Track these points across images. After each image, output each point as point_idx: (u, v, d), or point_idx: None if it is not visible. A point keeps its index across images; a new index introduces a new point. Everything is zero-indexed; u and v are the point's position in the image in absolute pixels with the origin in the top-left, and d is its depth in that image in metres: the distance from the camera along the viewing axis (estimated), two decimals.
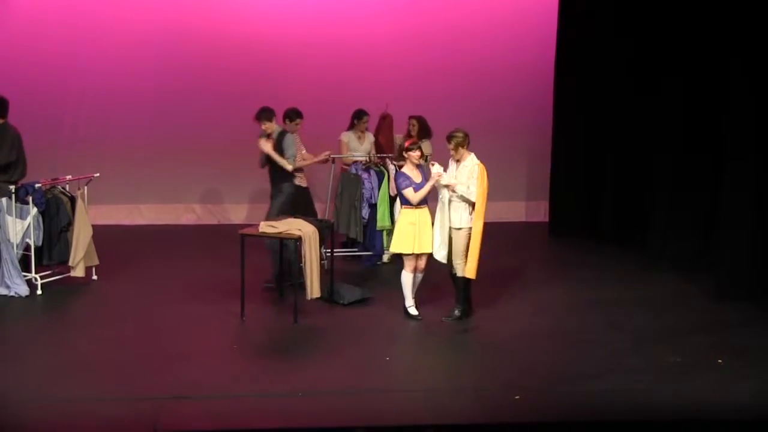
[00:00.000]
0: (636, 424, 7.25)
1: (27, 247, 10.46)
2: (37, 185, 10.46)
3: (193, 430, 7.10)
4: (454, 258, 9.51)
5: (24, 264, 10.48)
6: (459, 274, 9.48)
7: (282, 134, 10.60)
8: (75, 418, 7.25)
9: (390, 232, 11.71)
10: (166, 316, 9.72)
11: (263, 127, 10.65)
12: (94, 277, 11.01)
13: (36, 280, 10.46)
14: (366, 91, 13.49)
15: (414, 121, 12.05)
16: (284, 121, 11.19)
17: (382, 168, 11.88)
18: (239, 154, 13.71)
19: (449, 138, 9.54)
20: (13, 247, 10.34)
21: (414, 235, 9.46)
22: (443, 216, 9.49)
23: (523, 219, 14.82)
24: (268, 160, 10.68)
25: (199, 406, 7.46)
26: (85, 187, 10.98)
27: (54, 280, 10.67)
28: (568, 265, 12.04)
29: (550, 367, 8.25)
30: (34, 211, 10.39)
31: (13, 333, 9.42)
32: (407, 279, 9.59)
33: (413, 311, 9.62)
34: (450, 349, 8.82)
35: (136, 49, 14.05)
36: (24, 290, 10.30)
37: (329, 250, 10.62)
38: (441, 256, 9.56)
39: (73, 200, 10.80)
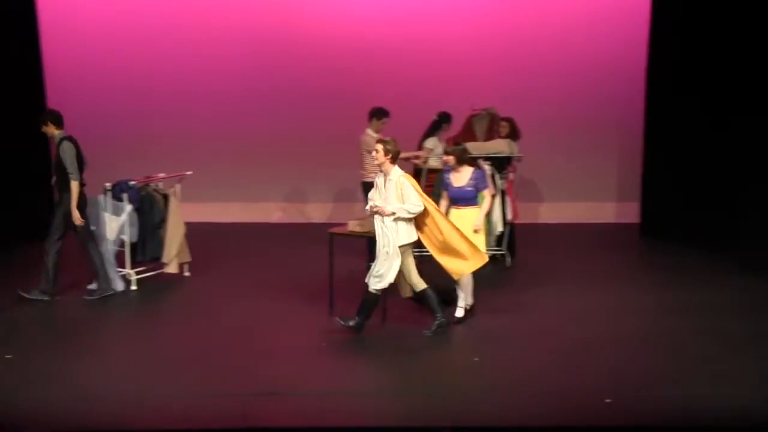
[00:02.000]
0: (728, 429, 7.12)
1: (122, 244, 10.70)
2: (131, 183, 10.69)
3: (282, 427, 7.15)
4: (408, 277, 9.13)
5: (119, 260, 10.73)
6: (410, 294, 9.21)
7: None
8: (165, 413, 7.35)
9: (488, 232, 11.68)
10: (255, 312, 9.84)
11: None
12: (187, 273, 11.20)
13: (131, 275, 10.69)
14: (452, 90, 13.47)
15: (504, 123, 11.99)
16: (371, 119, 11.35)
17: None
18: (327, 153, 13.83)
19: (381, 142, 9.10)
20: (109, 244, 10.59)
21: None
22: (383, 241, 8.98)
23: (614, 220, 14.64)
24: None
25: (287, 403, 7.52)
26: (178, 185, 11.19)
27: (148, 276, 10.89)
28: (659, 267, 11.86)
29: (640, 371, 8.13)
30: (129, 208, 10.62)
31: (108, 327, 9.65)
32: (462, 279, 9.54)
33: (456, 312, 9.52)
34: (537, 350, 8.74)
35: (228, 49, 14.24)
36: (119, 285, 10.54)
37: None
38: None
39: (166, 198, 11.01)
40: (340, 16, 14.27)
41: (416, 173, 12.12)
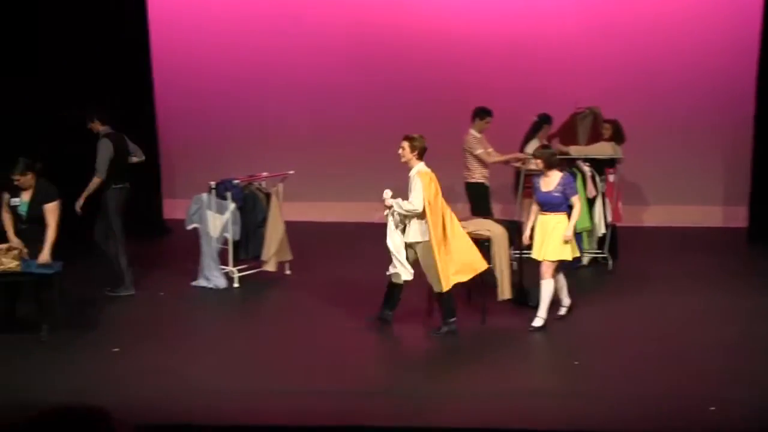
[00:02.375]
0: None
1: (225, 242, 10.87)
2: (235, 182, 10.86)
3: (382, 426, 7.19)
4: (427, 273, 8.95)
5: (222, 258, 10.91)
6: (435, 289, 8.97)
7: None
8: (264, 409, 7.46)
9: (589, 234, 11.57)
10: (353, 311, 9.82)
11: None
12: (288, 271, 11.32)
13: (233, 273, 10.86)
14: (554, 90, 13.34)
15: (607, 125, 11.83)
16: (474, 119, 11.35)
17: (574, 169, 11.70)
18: (429, 153, 13.84)
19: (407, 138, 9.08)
20: (212, 241, 10.78)
21: (539, 239, 9.25)
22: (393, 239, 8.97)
23: (720, 224, 14.30)
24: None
25: (383, 402, 7.56)
26: (281, 184, 11.33)
27: (250, 274, 11.03)
28: (766, 273, 11.54)
29: (746, 378, 7.94)
30: (232, 206, 10.79)
31: (211, 324, 9.84)
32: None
33: (535, 322, 9.24)
34: (639, 355, 8.59)
35: (333, 49, 14.34)
36: (222, 283, 10.72)
37: (519, 252, 10.56)
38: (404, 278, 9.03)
39: (269, 197, 11.15)
40: (442, 16, 14.26)
41: (517, 176, 12.06)
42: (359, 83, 14.40)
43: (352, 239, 13.44)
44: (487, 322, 9.38)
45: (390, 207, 8.94)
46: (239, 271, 10.90)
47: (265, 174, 11.48)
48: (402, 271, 9.00)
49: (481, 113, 11.40)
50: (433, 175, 8.99)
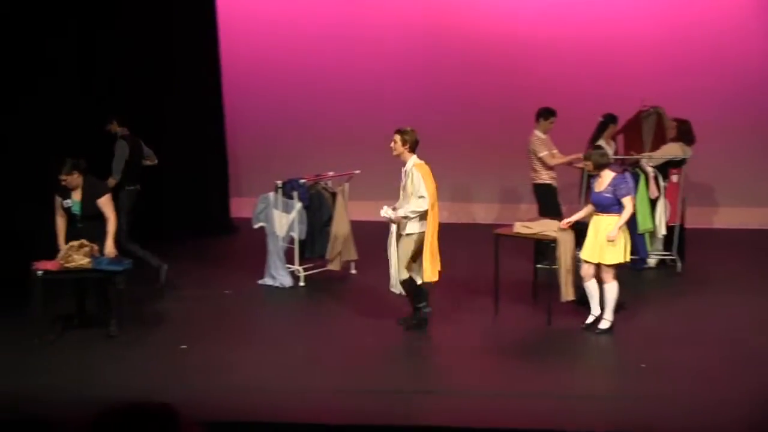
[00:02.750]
0: None
1: (291, 240, 10.93)
2: (301, 181, 10.92)
3: (442, 426, 7.19)
4: (400, 262, 8.98)
5: (288, 256, 10.97)
6: (418, 280, 9.00)
7: None
8: (328, 407, 7.48)
9: (652, 235, 11.42)
10: None
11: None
12: (353, 270, 11.35)
13: (299, 272, 10.91)
14: (620, 90, 13.19)
15: (673, 123, 11.66)
16: (538, 119, 11.27)
17: (637, 170, 11.56)
18: (493, 153, 13.79)
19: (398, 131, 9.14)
20: (278, 240, 10.85)
21: (590, 240, 9.12)
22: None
23: None
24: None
25: (448, 402, 7.55)
26: (346, 184, 11.36)
27: (316, 273, 11.08)
28: None
29: None
30: (298, 205, 10.85)
31: (276, 322, 9.92)
32: (591, 286, 9.22)
33: (602, 324, 9.13)
34: (707, 358, 8.45)
35: (399, 49, 14.34)
36: (288, 281, 10.78)
37: None
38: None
39: (334, 196, 11.18)
40: (510, 17, 14.19)
41: (582, 177, 11.94)
42: (425, 84, 14.38)
43: None
44: (552, 323, 9.31)
45: (403, 218, 8.90)
46: (305, 270, 10.96)
47: (331, 173, 11.52)
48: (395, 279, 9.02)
49: (545, 114, 11.31)
50: (428, 168, 9.04)
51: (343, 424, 7.01)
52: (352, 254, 11.23)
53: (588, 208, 9.35)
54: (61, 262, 8.73)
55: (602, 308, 9.12)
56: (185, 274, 11.02)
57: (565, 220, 9.42)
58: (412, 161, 9.01)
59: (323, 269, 11.08)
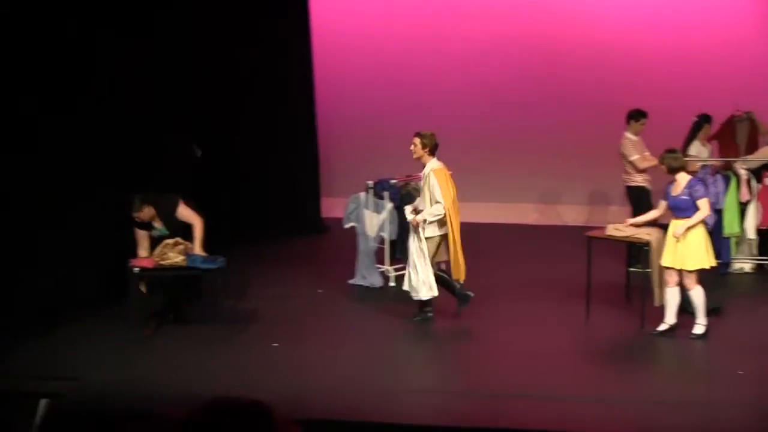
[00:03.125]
0: None
1: (382, 241, 10.95)
2: (392, 181, 10.94)
3: (534, 429, 7.14)
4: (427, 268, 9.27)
5: (378, 256, 10.99)
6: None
7: None
8: (416, 407, 7.50)
9: (738, 240, 11.16)
10: (508, 312, 9.84)
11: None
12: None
13: (389, 272, 10.93)
14: (711, 93, 12.91)
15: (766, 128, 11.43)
16: (629, 121, 11.13)
17: (729, 173, 11.31)
18: (583, 154, 13.64)
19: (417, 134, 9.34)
20: (369, 240, 10.88)
21: (670, 245, 8.90)
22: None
23: None
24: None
25: (537, 405, 7.49)
26: None
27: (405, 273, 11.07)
28: None
29: None
30: (389, 206, 10.86)
31: (367, 322, 9.91)
32: (671, 293, 8.99)
33: (696, 329, 8.94)
34: None
35: (485, 49, 14.28)
36: (378, 281, 10.80)
37: None
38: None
39: None
40: (596, 20, 14.01)
41: None
42: (515, 85, 14.26)
43: (507, 240, 13.36)
44: (645, 327, 9.15)
45: (424, 221, 9.09)
46: (395, 270, 10.95)
47: (421, 174, 11.48)
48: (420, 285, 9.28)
49: (636, 115, 11.16)
50: (447, 172, 9.24)
51: (431, 425, 7.01)
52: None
53: (656, 211, 9.23)
54: (157, 259, 8.89)
55: (693, 315, 8.94)
56: (276, 273, 11.12)
57: (630, 221, 9.25)
58: (431, 165, 9.21)
59: None
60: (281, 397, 7.03)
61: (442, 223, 9.19)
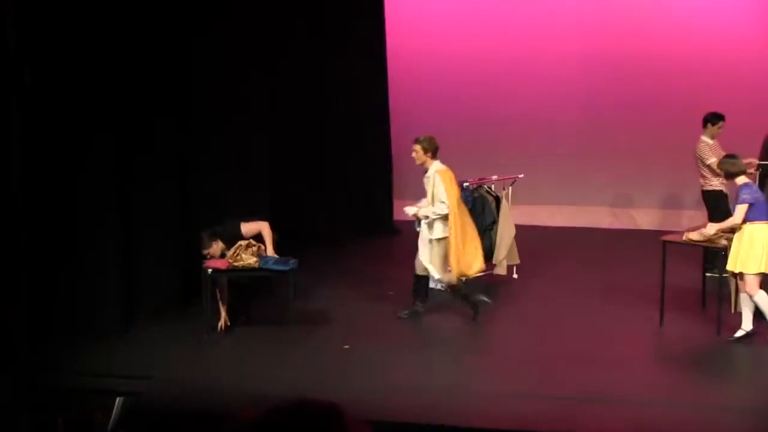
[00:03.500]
0: None
1: None
2: (465, 184, 10.89)
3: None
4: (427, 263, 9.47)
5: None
6: (445, 280, 9.48)
7: None
8: (488, 411, 7.47)
9: None
10: (583, 317, 9.76)
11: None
12: (515, 275, 11.25)
13: None
14: None
15: None
16: (705, 125, 10.98)
17: None
18: (658, 158, 13.49)
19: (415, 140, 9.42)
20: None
21: (735, 251, 8.73)
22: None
23: None
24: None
25: (614, 411, 7.42)
26: (510, 187, 11.28)
27: (478, 276, 11.01)
28: None
29: None
30: None
31: (437, 325, 9.89)
32: (746, 299, 8.80)
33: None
34: None
35: (561, 51, 14.16)
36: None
37: None
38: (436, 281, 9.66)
39: (498, 200, 11.12)
40: (673, 26, 13.84)
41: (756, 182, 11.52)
42: (590, 88, 14.12)
43: (580, 244, 13.24)
44: (721, 333, 8.99)
45: (425, 217, 9.30)
46: None
47: (494, 177, 11.46)
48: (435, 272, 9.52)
49: (713, 119, 10.98)
50: (452, 173, 9.43)
51: (504, 429, 6.97)
52: (515, 258, 11.14)
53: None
54: (230, 261, 8.98)
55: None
56: (348, 275, 11.16)
57: (716, 226, 9.09)
58: (434, 167, 9.36)
59: (486, 273, 11.00)
60: (352, 398, 7.09)
61: (447, 225, 9.35)
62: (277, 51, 11.75)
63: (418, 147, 9.44)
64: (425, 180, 9.48)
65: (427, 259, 9.46)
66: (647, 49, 13.83)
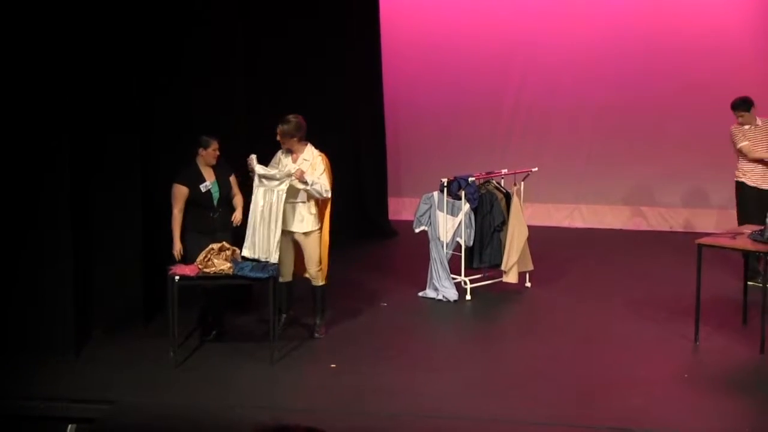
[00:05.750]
0: None
1: (457, 247, 10.80)
2: (470, 179, 10.76)
3: None
4: (308, 266, 9.46)
5: (453, 266, 10.81)
6: (318, 283, 9.51)
7: None
8: None
9: None
10: (605, 333, 9.66)
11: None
12: (527, 284, 11.15)
13: (465, 283, 10.77)
14: None
15: None
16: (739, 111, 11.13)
17: None
18: (686, 154, 13.47)
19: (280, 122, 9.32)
20: (443, 247, 10.72)
21: None
22: (265, 220, 9.16)
23: None
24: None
25: None
26: (522, 183, 11.15)
27: (485, 285, 10.91)
28: None
29: None
30: (466, 207, 10.69)
31: (439, 342, 9.85)
32: None
33: None
34: None
35: (577, 40, 14.16)
36: (453, 294, 10.63)
37: None
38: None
39: (508, 197, 10.99)
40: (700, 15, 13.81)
41: None
42: (612, 80, 14.10)
43: (602, 247, 13.20)
44: (765, 351, 8.87)
45: (306, 183, 9.19)
46: (472, 281, 10.82)
47: (504, 171, 11.34)
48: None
49: (741, 104, 11.10)
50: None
51: None
52: (528, 265, 11.03)
53: None
54: (200, 266, 8.81)
55: None
56: (337, 284, 11.01)
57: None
58: (312, 150, 9.40)
59: (494, 281, 10.92)
60: (337, 423, 6.98)
61: (320, 218, 9.46)
62: (263, 49, 11.79)
63: (280, 129, 9.38)
64: (297, 162, 9.34)
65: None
66: (668, 45, 13.88)
